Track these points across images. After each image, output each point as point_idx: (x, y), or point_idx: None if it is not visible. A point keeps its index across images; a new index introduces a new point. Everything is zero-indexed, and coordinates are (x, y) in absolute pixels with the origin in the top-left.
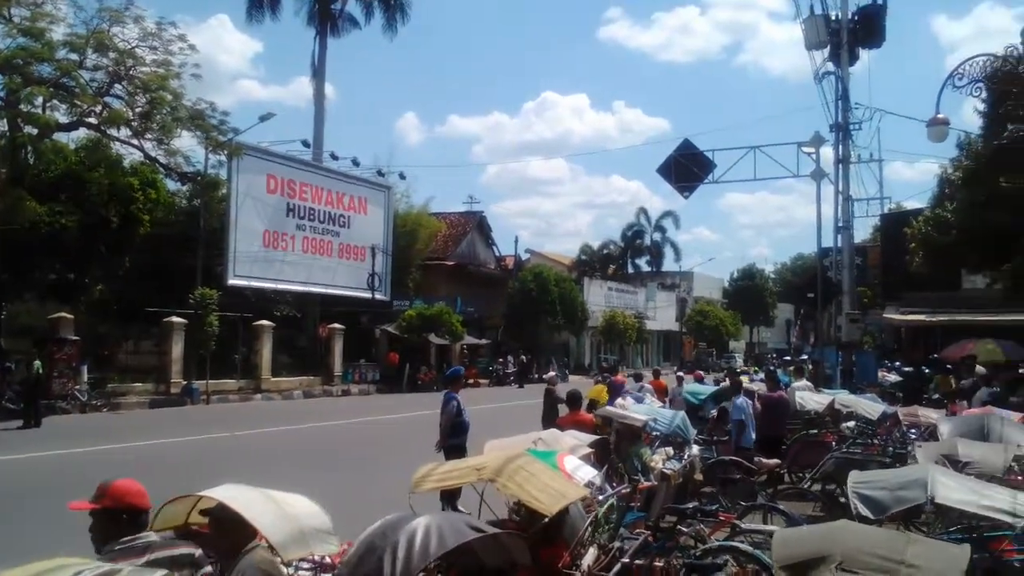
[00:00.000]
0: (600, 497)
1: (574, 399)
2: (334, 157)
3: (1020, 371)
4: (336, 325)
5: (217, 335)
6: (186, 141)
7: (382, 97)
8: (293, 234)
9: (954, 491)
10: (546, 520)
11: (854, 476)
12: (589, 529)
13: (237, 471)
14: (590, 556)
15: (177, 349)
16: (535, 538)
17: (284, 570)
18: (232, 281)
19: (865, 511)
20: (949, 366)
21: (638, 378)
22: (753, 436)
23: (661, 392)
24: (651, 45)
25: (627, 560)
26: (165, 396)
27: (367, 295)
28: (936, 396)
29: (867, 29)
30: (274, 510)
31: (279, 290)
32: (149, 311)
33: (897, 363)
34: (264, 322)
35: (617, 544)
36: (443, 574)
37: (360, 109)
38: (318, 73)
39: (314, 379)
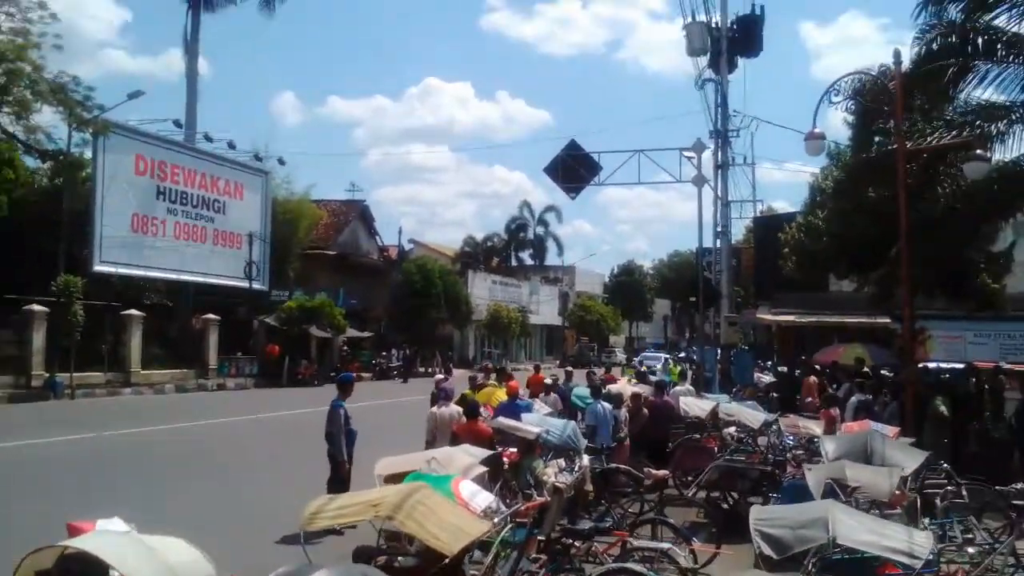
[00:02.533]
0: (496, 520)
1: (472, 410)
2: (208, 139)
3: (886, 374)
4: (211, 316)
5: (82, 325)
6: (47, 117)
7: (259, 75)
8: (164, 218)
9: (855, 531)
10: (447, 561)
11: (755, 513)
12: (489, 562)
13: (106, 481)
14: None
15: (39, 339)
16: None
17: None
18: (98, 267)
19: (768, 550)
20: (818, 367)
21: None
22: (610, 440)
23: (539, 387)
24: (533, 36)
25: None
26: (26, 390)
27: (244, 284)
28: (809, 400)
29: (746, 38)
30: (150, 561)
31: (149, 277)
32: (7, 298)
33: (770, 362)
34: (133, 311)
35: None
36: None
37: (236, 87)
38: (191, 50)
39: (188, 372)
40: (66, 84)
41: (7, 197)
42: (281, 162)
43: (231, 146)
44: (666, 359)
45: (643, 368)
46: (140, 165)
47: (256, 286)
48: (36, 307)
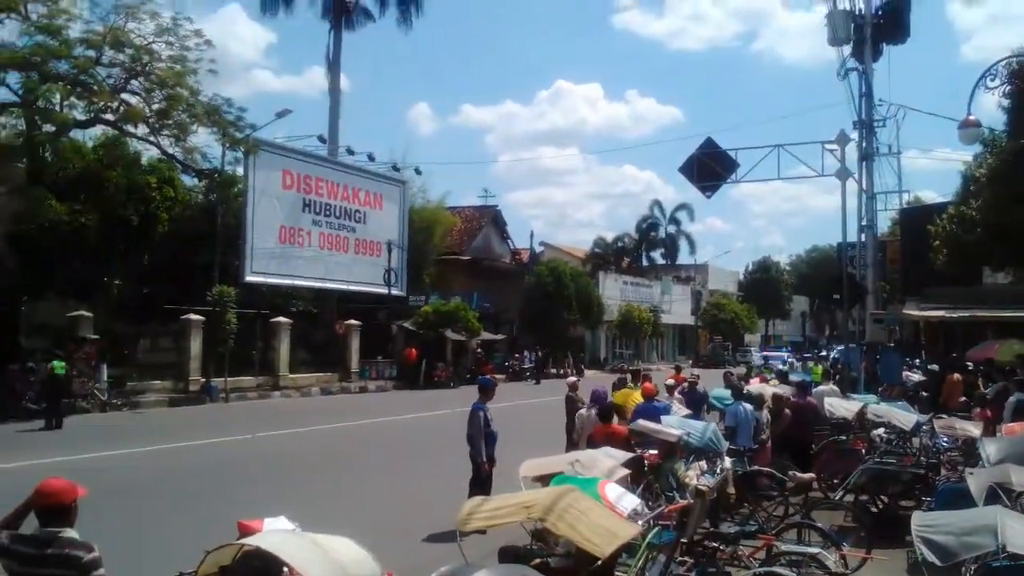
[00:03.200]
0: (640, 522)
1: (606, 412)
2: (350, 152)
3: None
4: (353, 321)
5: (235, 332)
6: (202, 137)
7: (395, 88)
8: (309, 230)
9: None
10: (599, 563)
11: (918, 518)
12: (640, 565)
13: (264, 480)
14: None
15: (196, 346)
16: None
17: None
18: (249, 278)
19: (931, 556)
20: (970, 365)
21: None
22: (751, 442)
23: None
24: (664, 33)
25: None
26: (184, 394)
27: (383, 291)
28: (963, 399)
29: (892, 24)
30: (322, 559)
31: (296, 286)
32: (167, 308)
33: (918, 360)
34: (281, 319)
35: None
36: None
37: (374, 100)
38: (333, 68)
39: (332, 375)
40: (220, 106)
41: (167, 215)
42: (417, 172)
43: (371, 158)
44: (790, 358)
45: (777, 369)
46: (287, 180)
47: (395, 292)
48: (193, 316)
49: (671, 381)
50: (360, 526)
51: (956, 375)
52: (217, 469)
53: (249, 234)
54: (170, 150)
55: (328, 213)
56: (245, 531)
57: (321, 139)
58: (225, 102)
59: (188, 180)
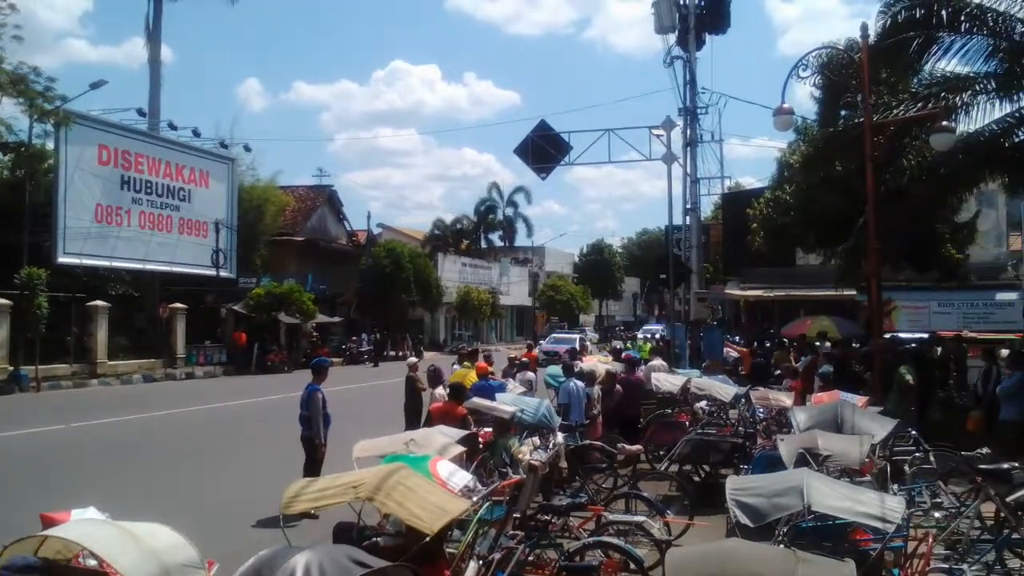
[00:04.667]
0: (474, 498)
1: (457, 391)
2: (172, 127)
3: (853, 345)
4: (178, 304)
5: (47, 317)
6: (7, 108)
7: (223, 62)
8: (129, 208)
9: (829, 497)
10: (427, 539)
11: (731, 482)
12: (469, 539)
13: (78, 472)
14: (471, 571)
15: (2, 332)
16: (416, 556)
17: None
18: (62, 259)
19: (744, 519)
20: (785, 341)
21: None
22: (583, 417)
23: (534, 364)
24: (500, 17)
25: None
26: None
27: (211, 272)
28: (777, 372)
29: (713, 14)
30: (133, 547)
31: (114, 268)
32: None
33: (737, 338)
34: (98, 302)
35: (497, 555)
36: None
37: (199, 74)
38: (153, 38)
39: (155, 362)
40: (26, 75)
41: None
42: (247, 149)
43: (196, 134)
44: (581, 340)
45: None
46: (103, 155)
47: (223, 274)
48: None
49: (525, 359)
50: (182, 515)
51: (748, 349)
52: (24, 461)
53: (61, 212)
54: None
55: (149, 191)
56: (49, 523)
57: (141, 113)
58: (32, 71)
59: None
